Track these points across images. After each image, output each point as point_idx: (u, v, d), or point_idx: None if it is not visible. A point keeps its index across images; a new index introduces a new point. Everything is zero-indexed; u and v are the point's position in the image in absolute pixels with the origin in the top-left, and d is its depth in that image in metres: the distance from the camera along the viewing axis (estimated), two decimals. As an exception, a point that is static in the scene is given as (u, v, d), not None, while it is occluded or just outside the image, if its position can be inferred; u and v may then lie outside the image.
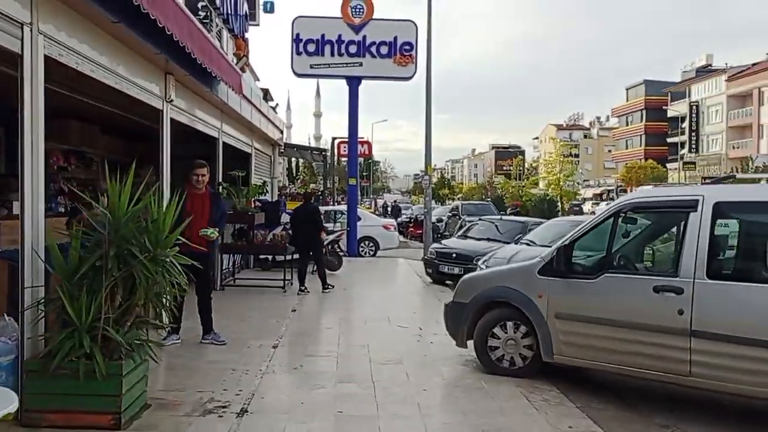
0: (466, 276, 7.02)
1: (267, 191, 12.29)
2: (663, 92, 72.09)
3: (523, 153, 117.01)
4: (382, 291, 12.38)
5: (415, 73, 19.02)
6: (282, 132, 18.64)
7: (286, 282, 11.80)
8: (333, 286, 11.86)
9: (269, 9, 25.12)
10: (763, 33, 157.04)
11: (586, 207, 66.69)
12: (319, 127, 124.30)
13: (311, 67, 18.82)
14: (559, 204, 47.04)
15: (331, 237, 14.53)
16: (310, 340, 8.06)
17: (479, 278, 6.98)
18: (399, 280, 14.37)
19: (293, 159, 79.06)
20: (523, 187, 57.50)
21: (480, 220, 15.91)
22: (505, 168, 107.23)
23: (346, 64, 18.70)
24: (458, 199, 72.33)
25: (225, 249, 11.53)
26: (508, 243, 12.86)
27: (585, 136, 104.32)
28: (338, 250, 14.96)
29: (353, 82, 19.03)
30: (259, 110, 14.07)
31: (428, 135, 18.32)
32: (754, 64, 58.53)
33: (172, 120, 8.50)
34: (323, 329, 9.01)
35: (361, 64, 18.75)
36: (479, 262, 10.76)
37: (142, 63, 7.21)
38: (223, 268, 12.31)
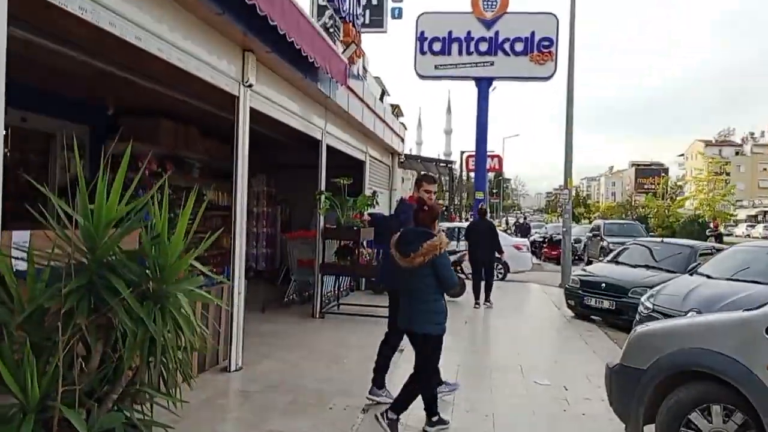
0: (641, 329, 4.76)
1: (378, 203, 10.43)
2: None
3: (666, 171, 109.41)
4: (513, 327, 10.09)
5: (554, 72, 16.70)
6: (403, 140, 16.90)
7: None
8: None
9: (397, 15, 23.62)
10: None
11: (739, 229, 60.12)
12: (450, 145, 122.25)
13: (436, 67, 17.02)
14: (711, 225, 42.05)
15: (453, 257, 12.50)
16: (415, 401, 6.07)
17: (662, 333, 4.69)
18: (533, 312, 12.03)
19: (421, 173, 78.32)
20: (670, 206, 52.41)
21: (634, 243, 13.23)
22: (646, 186, 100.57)
23: (476, 63, 16.73)
24: (596, 218, 67.78)
25: (325, 269, 9.83)
26: (672, 272, 10.28)
27: (737, 153, 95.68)
28: (460, 272, 12.89)
29: (483, 84, 17.00)
30: (374, 111, 12.37)
31: (569, 143, 15.89)
32: None
33: (256, 112, 6.90)
34: (435, 380, 7.00)
35: (492, 63, 16.70)
36: (643, 298, 8.32)
37: (208, 32, 5.62)
38: (325, 290, 10.64)
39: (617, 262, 12.01)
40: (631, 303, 10.09)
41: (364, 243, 12.10)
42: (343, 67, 8.53)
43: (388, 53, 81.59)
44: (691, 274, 8.52)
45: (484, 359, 7.71)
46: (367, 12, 22.89)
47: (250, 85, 6.40)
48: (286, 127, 8.62)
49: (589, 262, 25.44)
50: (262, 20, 5.41)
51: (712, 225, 34.50)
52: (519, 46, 16.51)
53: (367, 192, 12.19)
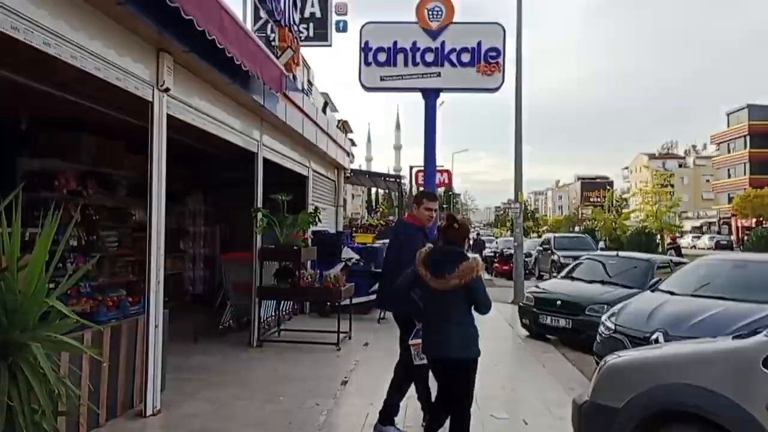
0: (612, 360, 4.17)
1: (319, 221, 9.71)
2: (769, 116, 66.26)
3: (611, 184, 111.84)
4: None
5: (502, 83, 16.17)
6: (349, 154, 16.23)
7: (342, 336, 9.18)
8: None
9: (342, 28, 23.09)
10: None
11: (685, 240, 61.26)
12: (399, 160, 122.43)
13: (382, 79, 16.29)
14: (658, 237, 42.57)
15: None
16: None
17: (637, 365, 4.10)
18: (486, 332, 11.21)
19: (373, 190, 77.57)
20: (617, 219, 53.04)
21: (588, 257, 12.81)
22: (592, 199, 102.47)
23: (422, 74, 16.09)
24: (544, 231, 68.19)
25: (263, 293, 9.04)
26: (629, 288, 9.87)
27: (680, 166, 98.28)
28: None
29: (430, 96, 16.38)
30: (316, 123, 11.69)
31: (518, 157, 15.52)
32: None
33: (177, 121, 6.16)
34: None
35: (439, 74, 16.08)
36: (604, 317, 7.79)
37: (114, 28, 4.86)
38: (265, 316, 9.84)
39: (572, 278, 11.55)
40: (588, 321, 9.62)
41: (309, 264, 11.40)
42: (278, 73, 7.85)
43: (335, 68, 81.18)
44: (652, 291, 8.04)
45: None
46: (311, 25, 22.26)
47: (167, 90, 5.65)
48: (219, 139, 7.88)
49: (540, 277, 25.15)
50: (176, 14, 4.69)
51: (669, 238, 34.73)
52: (465, 57, 16.01)
53: (310, 209, 11.45)
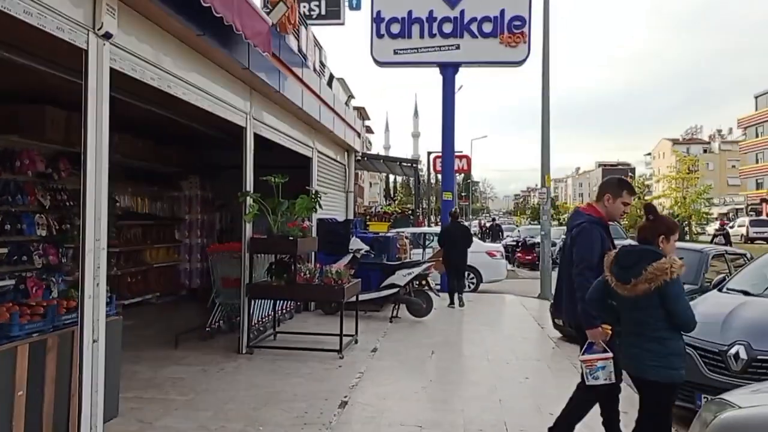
0: (729, 415, 2.82)
1: (320, 206, 8.42)
2: (801, 98, 63.75)
3: (633, 170, 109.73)
4: (494, 360, 7.87)
5: (528, 55, 14.83)
6: (360, 135, 14.88)
7: (346, 340, 7.90)
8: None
9: (355, 5, 21.72)
10: None
11: (712, 228, 58.99)
12: (417, 148, 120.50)
13: (395, 52, 15.03)
14: (686, 226, 40.80)
15: (417, 270, 10.54)
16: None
17: None
18: (514, 334, 9.99)
19: (391, 178, 75.97)
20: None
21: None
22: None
23: (440, 47, 14.78)
24: (564, 220, 66.36)
25: (253, 291, 7.75)
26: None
27: (705, 151, 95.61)
28: (427, 287, 10.92)
29: (448, 71, 15.04)
30: (319, 97, 10.36)
31: (545, 136, 14.07)
32: None
33: (131, 81, 4.88)
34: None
35: (458, 47, 14.77)
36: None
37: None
38: (259, 317, 8.58)
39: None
40: None
41: (312, 256, 10.14)
42: (265, 28, 6.50)
43: (349, 51, 78.51)
44: (720, 290, 6.63)
45: (456, 411, 5.70)
46: (323, 2, 20.93)
47: (108, 35, 4.34)
48: (203, 113, 6.62)
49: (566, 267, 23.63)
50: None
51: (719, 223, 32.75)
52: (487, 27, 14.63)
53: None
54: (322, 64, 28.46)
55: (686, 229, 39.71)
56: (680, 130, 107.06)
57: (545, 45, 13.58)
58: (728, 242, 21.44)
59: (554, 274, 14.56)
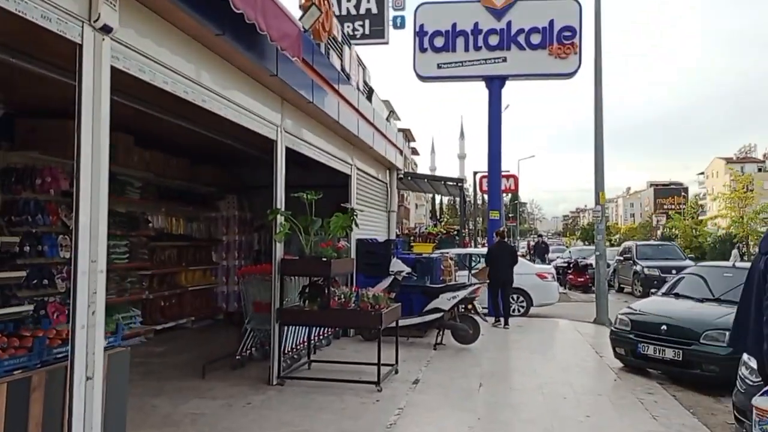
0: None
1: (356, 225, 7.81)
2: None
3: (686, 190, 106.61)
4: (549, 394, 7.10)
5: (579, 67, 14.07)
6: (402, 152, 14.30)
7: (385, 370, 7.22)
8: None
9: (400, 24, 21.35)
10: None
11: None
12: (464, 170, 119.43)
13: (439, 66, 14.46)
14: (744, 246, 38.87)
15: (462, 293, 9.82)
16: None
17: None
18: (570, 363, 9.10)
19: (437, 198, 75.15)
20: (697, 226, 49.14)
21: (694, 270, 10.40)
22: (665, 206, 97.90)
23: (485, 60, 14.15)
24: (616, 240, 64.33)
25: (284, 317, 7.16)
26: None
27: (759, 170, 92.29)
28: (473, 311, 10.16)
29: (495, 84, 14.38)
30: (358, 110, 9.83)
31: (599, 152, 13.26)
32: None
33: (135, 82, 4.39)
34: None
35: (504, 59, 14.11)
36: (745, 357, 5.55)
37: None
38: (293, 344, 7.98)
39: (676, 295, 9.25)
40: (704, 352, 7.54)
41: (348, 279, 9.54)
42: (295, 31, 5.99)
43: (394, 72, 77.88)
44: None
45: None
46: (367, 22, 20.56)
47: (107, 29, 3.84)
48: (238, 128, 6.15)
49: (621, 290, 22.55)
50: None
51: None
52: (536, 38, 13.95)
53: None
54: (366, 84, 28.12)
55: (744, 249, 37.87)
56: (732, 149, 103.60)
57: (597, 57, 12.82)
58: None
59: (611, 297, 13.69)
